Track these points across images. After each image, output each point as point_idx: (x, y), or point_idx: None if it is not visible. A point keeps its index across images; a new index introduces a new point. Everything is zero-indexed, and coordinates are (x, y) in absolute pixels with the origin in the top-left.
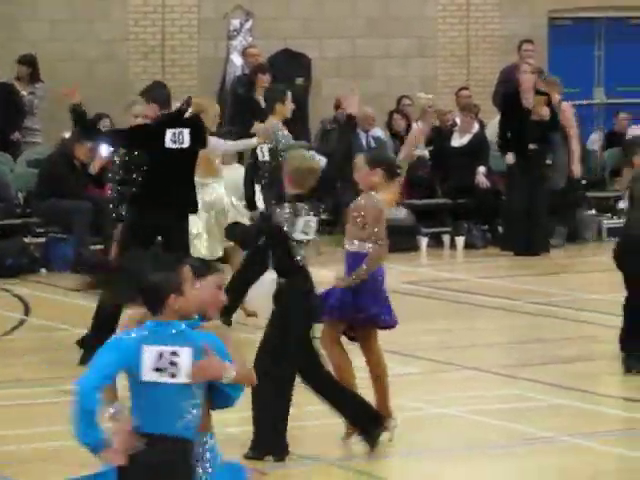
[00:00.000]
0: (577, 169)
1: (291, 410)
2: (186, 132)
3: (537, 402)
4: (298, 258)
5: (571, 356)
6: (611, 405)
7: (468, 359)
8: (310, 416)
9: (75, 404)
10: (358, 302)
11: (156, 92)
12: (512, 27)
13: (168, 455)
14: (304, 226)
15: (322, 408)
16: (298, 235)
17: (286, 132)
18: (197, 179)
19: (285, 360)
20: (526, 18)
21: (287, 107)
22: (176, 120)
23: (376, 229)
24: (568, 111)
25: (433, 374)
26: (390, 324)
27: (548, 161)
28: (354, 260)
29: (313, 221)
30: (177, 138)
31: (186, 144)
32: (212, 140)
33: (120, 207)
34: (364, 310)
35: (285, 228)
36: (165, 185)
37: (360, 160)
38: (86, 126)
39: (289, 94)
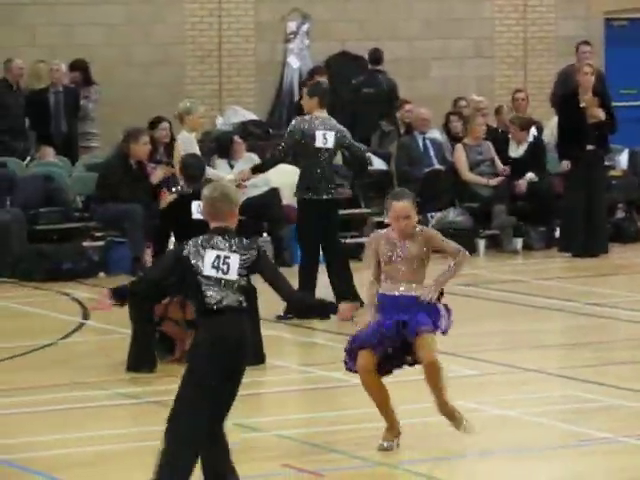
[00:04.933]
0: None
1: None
2: None
3: (595, 403)
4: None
5: (630, 357)
6: None
7: (527, 361)
8: (367, 418)
9: None
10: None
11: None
12: (568, 28)
13: None
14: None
15: (376, 410)
16: (208, 270)
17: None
18: None
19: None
20: (582, 19)
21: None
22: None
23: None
24: None
25: (492, 376)
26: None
27: (607, 162)
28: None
29: (232, 258)
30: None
31: None
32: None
33: None
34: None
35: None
36: None
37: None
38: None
39: None
